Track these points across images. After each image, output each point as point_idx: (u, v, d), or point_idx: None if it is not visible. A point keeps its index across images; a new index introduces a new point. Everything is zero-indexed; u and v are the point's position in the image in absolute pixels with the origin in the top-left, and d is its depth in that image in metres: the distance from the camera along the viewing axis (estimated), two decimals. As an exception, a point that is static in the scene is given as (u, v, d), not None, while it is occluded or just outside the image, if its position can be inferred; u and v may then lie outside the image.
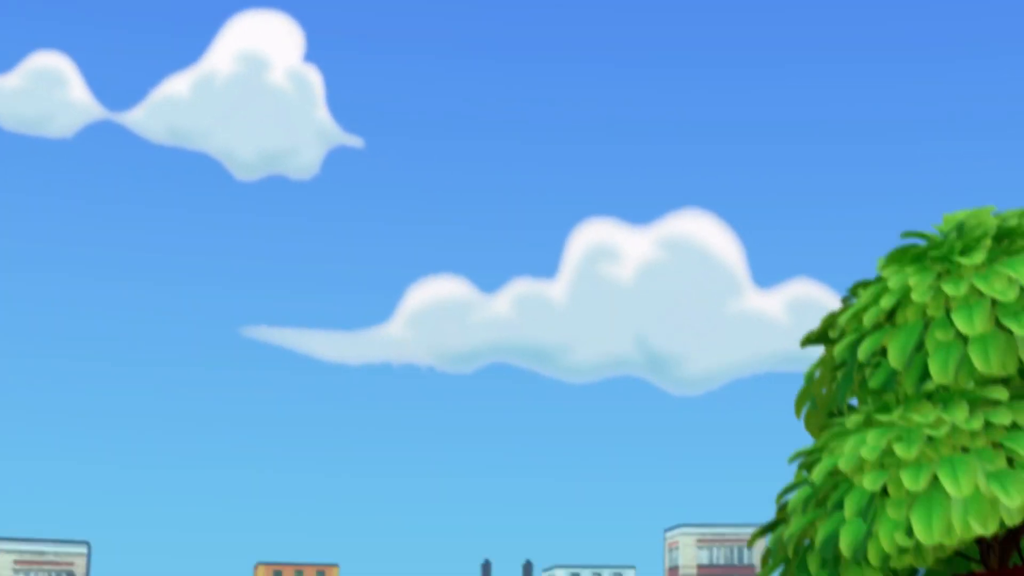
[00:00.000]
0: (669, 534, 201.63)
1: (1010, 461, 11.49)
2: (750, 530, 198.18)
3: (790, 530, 11.72)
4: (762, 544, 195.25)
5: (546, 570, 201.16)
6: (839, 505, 11.61)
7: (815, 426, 13.16)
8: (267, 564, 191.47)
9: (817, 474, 11.63)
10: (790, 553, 11.90)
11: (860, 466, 11.58)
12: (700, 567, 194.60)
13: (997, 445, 11.54)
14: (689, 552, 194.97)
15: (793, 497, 11.96)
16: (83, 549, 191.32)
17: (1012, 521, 11.09)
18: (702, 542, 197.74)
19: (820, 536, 11.48)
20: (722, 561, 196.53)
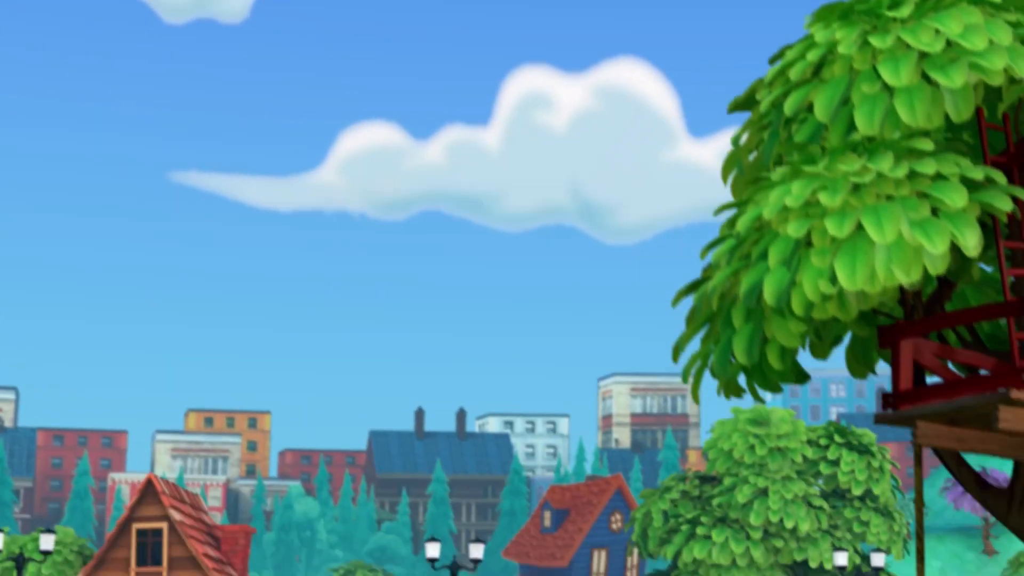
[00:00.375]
0: (603, 383, 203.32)
1: (934, 211, 11.46)
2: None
3: (714, 282, 11.68)
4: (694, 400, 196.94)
5: (479, 418, 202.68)
6: (763, 255, 11.57)
7: (742, 192, 13.07)
8: (199, 411, 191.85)
9: (742, 224, 11.58)
10: (714, 305, 11.87)
11: (785, 215, 11.54)
12: (633, 415, 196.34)
13: (922, 195, 11.51)
14: (623, 401, 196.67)
15: (717, 250, 11.91)
16: (11, 395, 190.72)
17: (935, 269, 11.08)
18: (636, 391, 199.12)
19: (744, 286, 11.45)
20: (655, 410, 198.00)
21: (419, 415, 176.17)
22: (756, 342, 11.47)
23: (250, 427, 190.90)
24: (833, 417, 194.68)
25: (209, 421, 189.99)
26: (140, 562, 57.12)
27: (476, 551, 43.06)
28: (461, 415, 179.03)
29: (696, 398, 12.24)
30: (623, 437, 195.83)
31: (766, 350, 11.54)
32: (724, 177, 12.93)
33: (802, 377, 12.61)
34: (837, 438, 67.78)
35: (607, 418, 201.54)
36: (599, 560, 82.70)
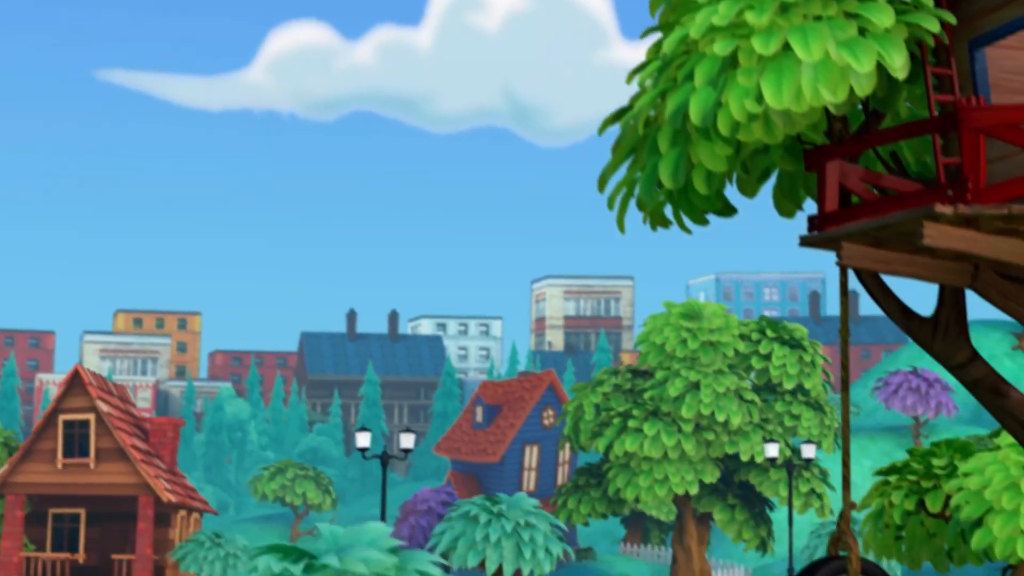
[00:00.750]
0: (536, 286, 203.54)
1: (861, 31, 11.32)
2: (617, 282, 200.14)
3: (639, 105, 11.50)
4: (628, 295, 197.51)
5: (412, 320, 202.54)
6: (689, 76, 11.40)
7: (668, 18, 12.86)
8: (128, 312, 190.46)
9: (667, 46, 11.39)
10: (640, 131, 11.70)
11: (712, 35, 11.37)
12: (567, 318, 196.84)
13: (850, 15, 11.36)
14: (556, 303, 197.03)
15: (642, 73, 11.74)
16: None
17: (862, 90, 10.95)
18: (569, 294, 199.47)
19: (669, 108, 11.29)
20: (589, 312, 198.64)
21: (351, 317, 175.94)
22: (682, 166, 11.32)
23: (180, 328, 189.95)
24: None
25: (138, 322, 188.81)
26: (67, 453, 56.83)
27: (407, 440, 43.02)
28: (393, 317, 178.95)
29: (621, 227, 12.09)
30: (556, 340, 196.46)
31: (692, 175, 11.40)
32: (652, 10, 12.73)
33: (728, 210, 12.48)
34: (769, 332, 68.13)
35: (540, 321, 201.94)
36: (531, 455, 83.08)
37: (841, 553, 15.70)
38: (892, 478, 21.73)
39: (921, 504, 21.21)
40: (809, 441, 55.72)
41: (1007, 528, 20.11)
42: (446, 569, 57.67)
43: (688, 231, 12.34)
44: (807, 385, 66.63)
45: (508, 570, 52.25)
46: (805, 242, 11.69)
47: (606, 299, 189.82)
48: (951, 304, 12.33)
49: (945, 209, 10.46)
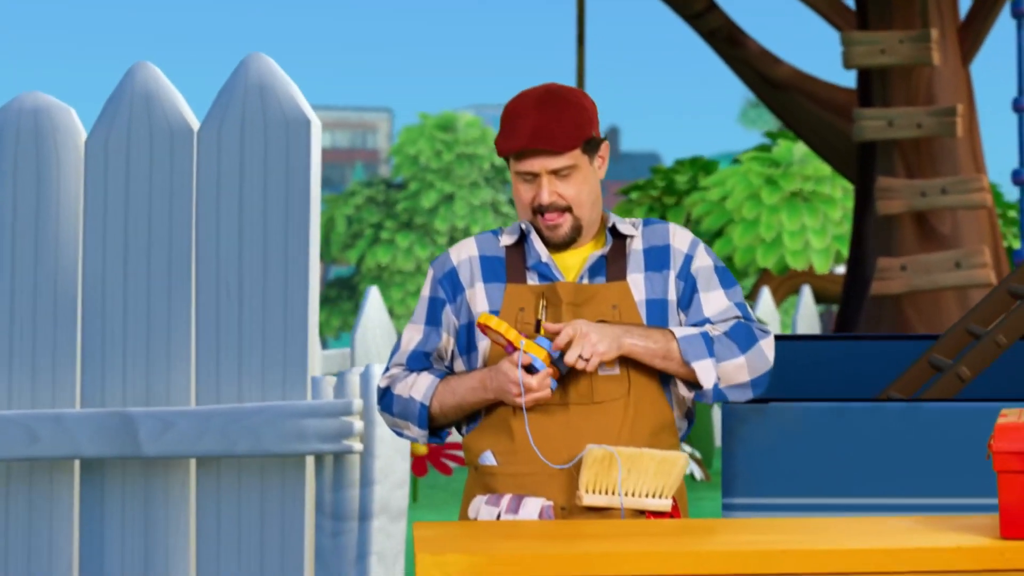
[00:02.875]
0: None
1: None
2: (374, 115, 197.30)
3: None
4: (386, 128, 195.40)
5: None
6: None
7: None
8: None
9: None
10: None
11: None
12: (323, 151, 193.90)
13: None
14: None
15: None
16: None
17: None
18: (326, 125, 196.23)
19: None
20: (345, 144, 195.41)
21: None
22: None
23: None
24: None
25: None
26: None
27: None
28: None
29: None
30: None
31: None
32: None
33: None
34: (524, 145, 67.33)
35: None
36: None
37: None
38: (634, 195, 20.80)
39: (663, 218, 20.33)
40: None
41: (747, 237, 19.30)
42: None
43: None
44: (563, 197, 66.18)
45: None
46: None
47: (363, 131, 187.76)
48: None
49: None
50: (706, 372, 3.35)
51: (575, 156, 3.42)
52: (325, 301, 64.64)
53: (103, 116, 3.34)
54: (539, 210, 3.43)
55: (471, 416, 3.49)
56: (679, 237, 3.48)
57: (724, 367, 3.37)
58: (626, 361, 3.40)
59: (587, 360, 3.28)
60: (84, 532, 3.24)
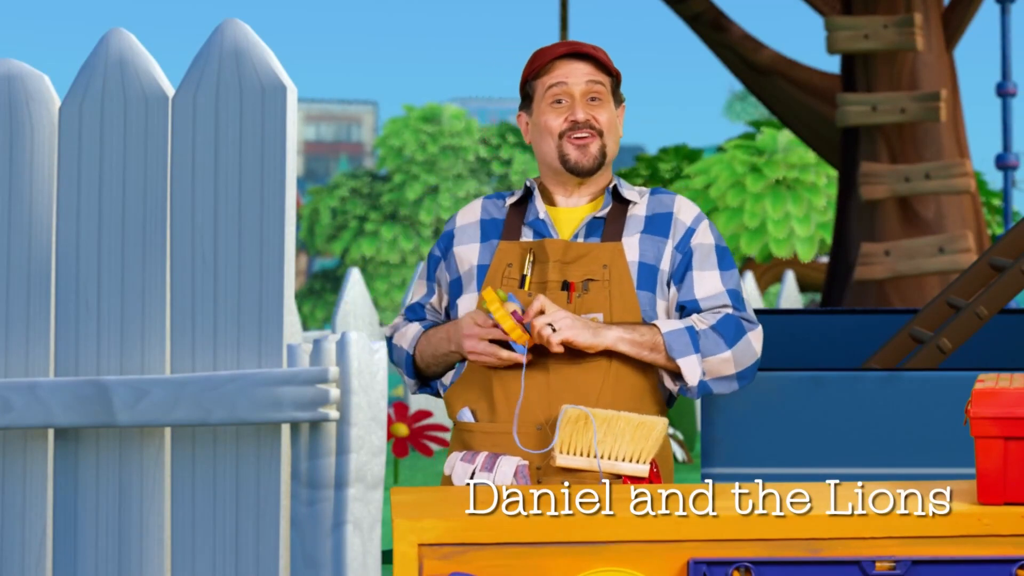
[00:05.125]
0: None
1: None
2: (359, 108, 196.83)
3: None
4: (370, 121, 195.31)
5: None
6: None
7: None
8: None
9: None
10: None
11: None
12: (307, 143, 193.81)
13: None
14: (296, 127, 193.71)
15: None
16: None
17: None
18: (310, 118, 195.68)
19: None
20: (330, 137, 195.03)
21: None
22: None
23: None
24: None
25: None
26: None
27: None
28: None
29: None
30: (297, 165, 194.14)
31: None
32: None
33: None
34: (510, 138, 67.23)
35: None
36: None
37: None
38: (616, 184, 20.76)
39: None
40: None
41: (731, 225, 19.31)
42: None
43: None
44: (547, 188, 66.15)
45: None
46: None
47: (347, 124, 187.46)
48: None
49: None
50: (692, 369, 3.31)
51: (609, 84, 3.40)
52: (310, 293, 64.55)
53: (77, 83, 3.31)
54: (572, 127, 3.37)
55: (454, 370, 3.47)
56: (685, 209, 3.44)
57: (710, 361, 3.33)
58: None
59: (554, 330, 3.22)
60: (58, 501, 3.22)
